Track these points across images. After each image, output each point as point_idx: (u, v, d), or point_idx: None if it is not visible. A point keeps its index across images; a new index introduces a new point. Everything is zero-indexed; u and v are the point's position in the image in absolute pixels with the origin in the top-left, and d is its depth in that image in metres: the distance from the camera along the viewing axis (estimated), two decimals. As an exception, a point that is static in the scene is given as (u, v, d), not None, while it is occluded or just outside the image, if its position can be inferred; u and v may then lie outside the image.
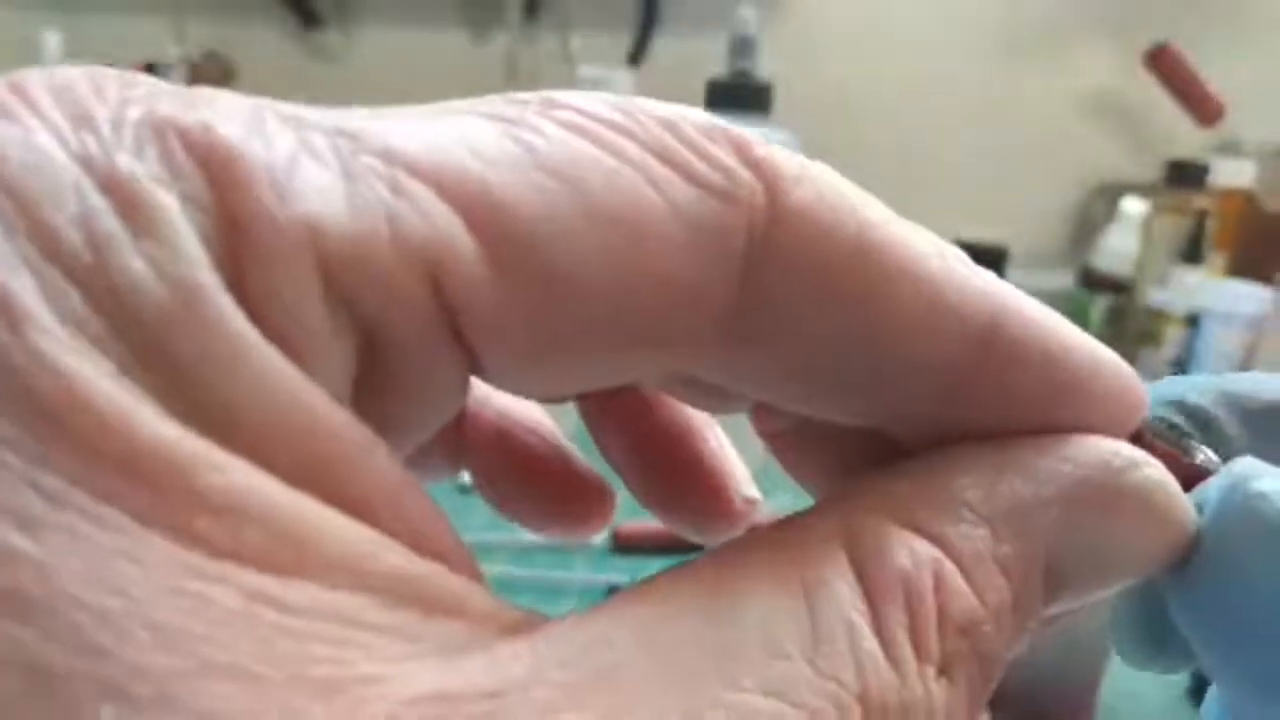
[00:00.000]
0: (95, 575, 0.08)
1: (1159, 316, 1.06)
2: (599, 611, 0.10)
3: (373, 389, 0.10)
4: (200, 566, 0.08)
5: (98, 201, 0.09)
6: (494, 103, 0.11)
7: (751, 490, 0.18)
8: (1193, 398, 0.15)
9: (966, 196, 1.22)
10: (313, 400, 0.09)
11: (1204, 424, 0.15)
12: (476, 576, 0.10)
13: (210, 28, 1.11)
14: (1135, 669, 0.15)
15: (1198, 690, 0.50)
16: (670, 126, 0.11)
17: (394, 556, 0.09)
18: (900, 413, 0.13)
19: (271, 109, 0.10)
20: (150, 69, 1.04)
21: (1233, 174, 1.16)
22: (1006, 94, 1.26)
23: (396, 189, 0.10)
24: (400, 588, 0.09)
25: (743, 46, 0.83)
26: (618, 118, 0.11)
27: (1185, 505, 0.13)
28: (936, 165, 1.25)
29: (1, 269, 0.08)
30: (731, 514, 0.18)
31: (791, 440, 0.16)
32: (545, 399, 0.14)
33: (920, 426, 0.13)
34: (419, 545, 0.10)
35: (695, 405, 0.17)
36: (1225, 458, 0.14)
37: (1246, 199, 1.16)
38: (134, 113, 0.10)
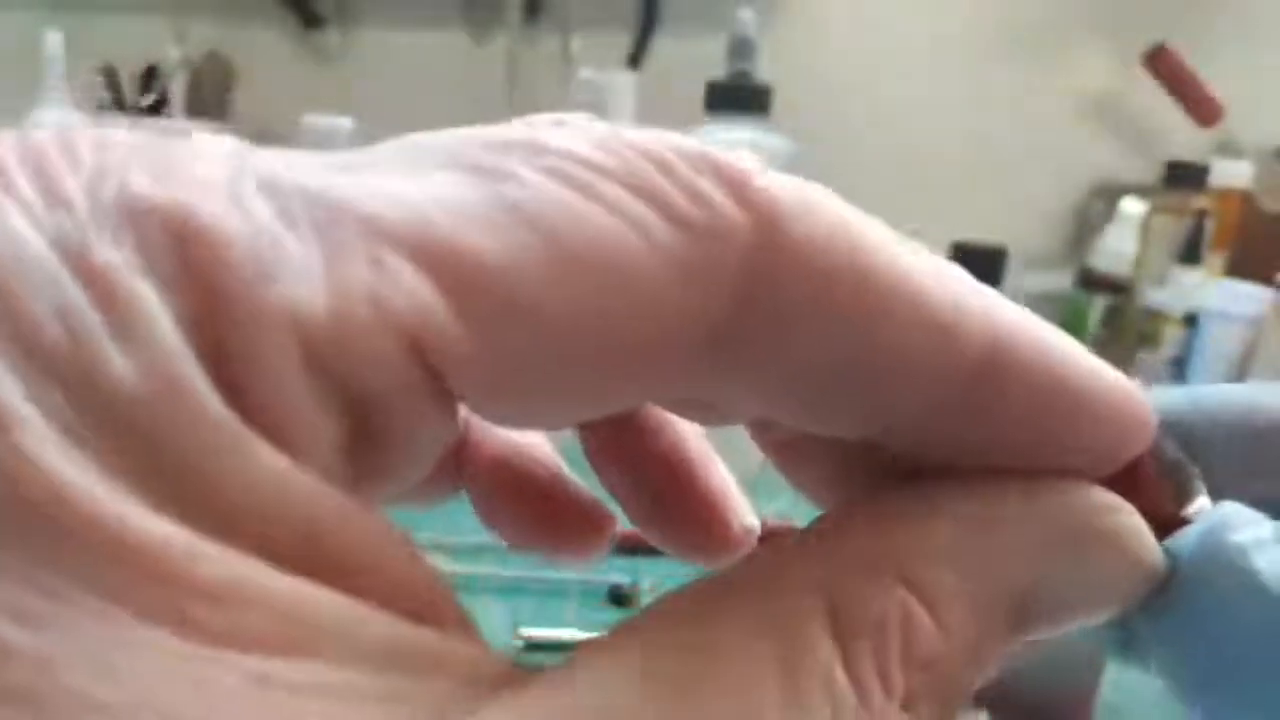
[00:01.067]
0: (97, 669, 0.08)
1: (1157, 317, 1.06)
2: (579, 667, 0.11)
3: (362, 449, 0.11)
4: (201, 654, 0.08)
5: (76, 294, 0.09)
6: (479, 151, 0.11)
7: (750, 519, 0.18)
8: (1188, 421, 0.15)
9: (965, 197, 1.22)
10: (296, 483, 0.09)
11: (1188, 438, 0.15)
12: (465, 626, 0.11)
13: (211, 28, 1.11)
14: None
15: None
16: (657, 162, 0.11)
17: (384, 627, 0.10)
18: (900, 431, 0.13)
19: (250, 173, 0.10)
20: (151, 70, 1.04)
21: (1231, 175, 1.16)
22: (1005, 95, 1.26)
23: (375, 262, 0.10)
24: (390, 656, 0.09)
25: (742, 48, 0.83)
26: (601, 158, 0.11)
27: (1153, 549, 0.14)
28: (935, 166, 1.25)
29: None
30: (730, 542, 0.18)
31: (790, 451, 0.16)
32: (537, 431, 0.14)
33: (921, 444, 0.13)
34: (411, 610, 0.10)
35: (689, 418, 0.17)
36: (1213, 480, 0.15)
37: (1245, 199, 1.17)
38: (108, 190, 0.09)
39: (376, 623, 0.10)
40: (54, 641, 0.08)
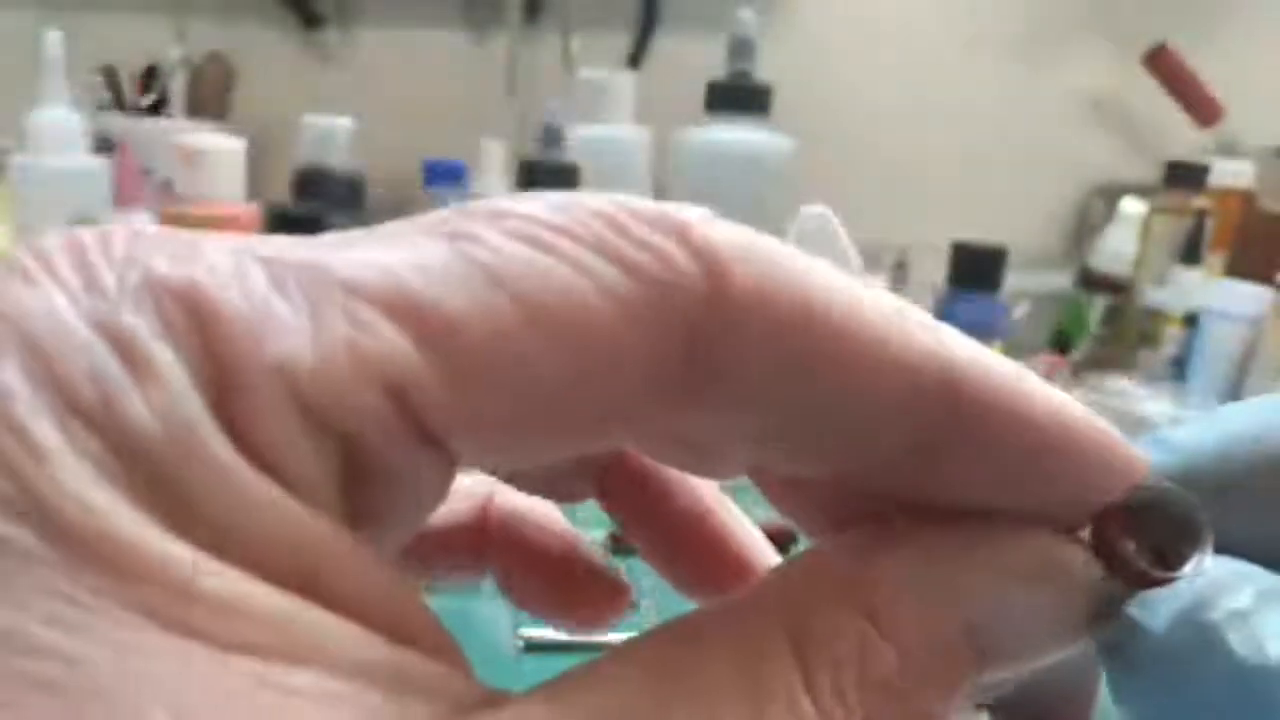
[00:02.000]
0: (115, 667, 0.10)
1: (1158, 317, 1.06)
2: (559, 692, 0.11)
3: (359, 490, 0.12)
4: (206, 657, 0.10)
5: (106, 356, 0.11)
6: (448, 218, 0.12)
7: (776, 559, 0.19)
8: (1215, 464, 0.14)
9: (965, 197, 1.22)
10: (293, 514, 0.11)
11: (1224, 488, 0.14)
12: (454, 657, 0.12)
13: (211, 28, 1.11)
14: None
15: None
16: (609, 221, 0.12)
17: (371, 645, 0.11)
18: (873, 470, 0.14)
19: (251, 253, 0.12)
20: (151, 69, 1.04)
21: (1231, 175, 1.16)
22: (1005, 95, 1.26)
23: (354, 319, 0.11)
24: (381, 673, 0.11)
25: (742, 48, 0.83)
26: (558, 219, 0.12)
27: (1091, 585, 0.14)
28: (935, 166, 1.25)
29: (28, 415, 0.10)
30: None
31: (778, 485, 0.17)
32: (526, 468, 0.15)
33: (896, 483, 0.14)
34: (396, 633, 0.11)
35: (691, 471, 0.17)
36: (1243, 514, 0.14)
37: (1245, 199, 1.17)
38: (135, 275, 0.11)
39: (368, 643, 0.11)
40: (81, 643, 0.10)
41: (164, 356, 0.11)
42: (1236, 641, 0.13)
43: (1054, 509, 0.14)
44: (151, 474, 0.10)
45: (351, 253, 0.12)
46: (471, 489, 0.19)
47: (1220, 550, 0.14)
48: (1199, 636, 0.13)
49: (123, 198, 0.87)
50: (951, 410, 0.13)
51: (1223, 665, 0.13)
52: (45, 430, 0.10)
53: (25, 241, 0.12)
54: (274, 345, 0.11)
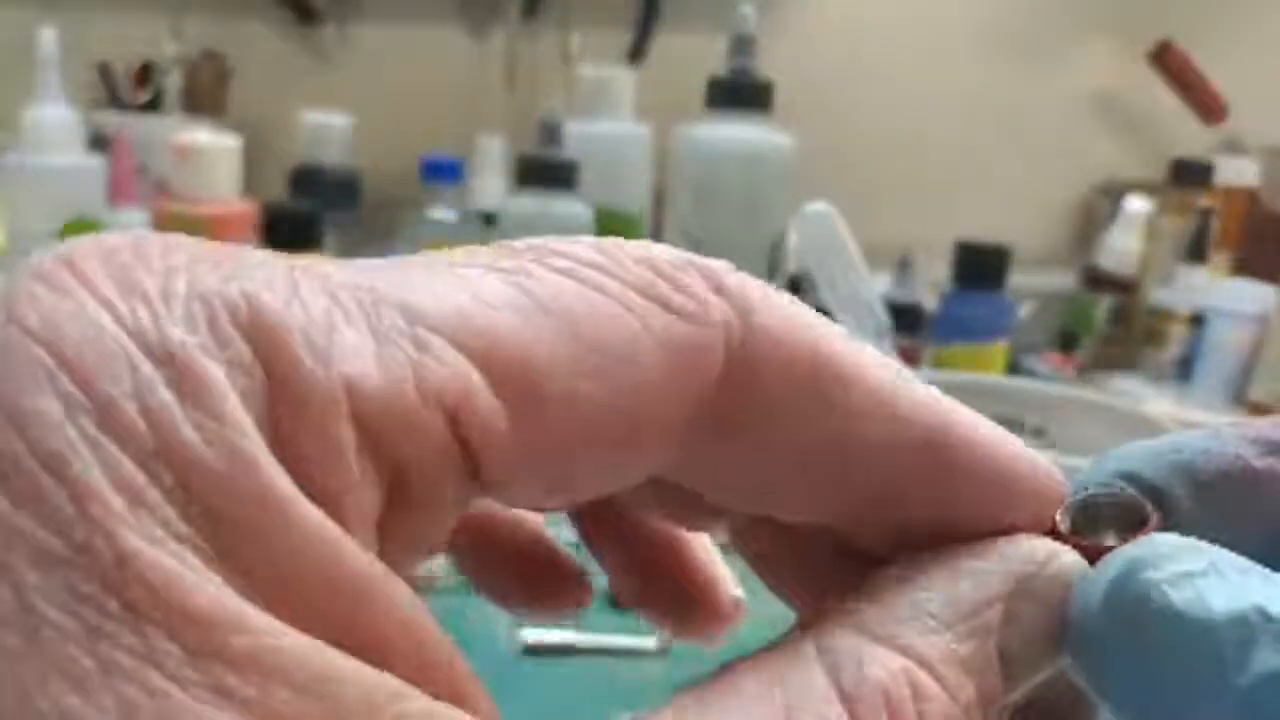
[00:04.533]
0: None
1: (1163, 316, 1.05)
2: None
3: (396, 515, 0.12)
4: None
5: (151, 373, 0.10)
6: (495, 254, 0.13)
7: (737, 591, 0.20)
8: (1147, 472, 0.15)
9: (968, 195, 1.21)
10: (347, 554, 0.10)
11: (1156, 499, 0.15)
12: (479, 699, 0.12)
13: (207, 25, 1.10)
14: None
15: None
16: (647, 263, 0.13)
17: (401, 701, 0.10)
18: (861, 511, 0.15)
19: (303, 270, 0.12)
20: (146, 66, 1.03)
21: (1237, 173, 1.15)
22: (1009, 92, 1.26)
23: (418, 343, 0.11)
24: None
25: (743, 44, 0.82)
26: (600, 259, 0.13)
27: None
28: (938, 164, 1.24)
29: (63, 445, 0.09)
30: (720, 615, 0.20)
31: (772, 560, 0.17)
32: (544, 509, 0.15)
33: (881, 525, 0.15)
34: (427, 679, 0.11)
35: (683, 526, 0.18)
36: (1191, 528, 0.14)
37: (1251, 198, 1.16)
38: (180, 284, 0.11)
39: (399, 697, 0.10)
40: (102, 709, 0.09)
41: (215, 374, 0.10)
42: (1182, 599, 0.12)
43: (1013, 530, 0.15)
44: (195, 504, 0.10)
45: (405, 277, 0.12)
46: None
47: None
48: (1140, 597, 0.13)
49: (118, 195, 0.87)
50: (937, 448, 0.14)
51: (1170, 624, 0.12)
52: (82, 461, 0.09)
53: (45, 246, 0.11)
54: (337, 366, 0.11)
